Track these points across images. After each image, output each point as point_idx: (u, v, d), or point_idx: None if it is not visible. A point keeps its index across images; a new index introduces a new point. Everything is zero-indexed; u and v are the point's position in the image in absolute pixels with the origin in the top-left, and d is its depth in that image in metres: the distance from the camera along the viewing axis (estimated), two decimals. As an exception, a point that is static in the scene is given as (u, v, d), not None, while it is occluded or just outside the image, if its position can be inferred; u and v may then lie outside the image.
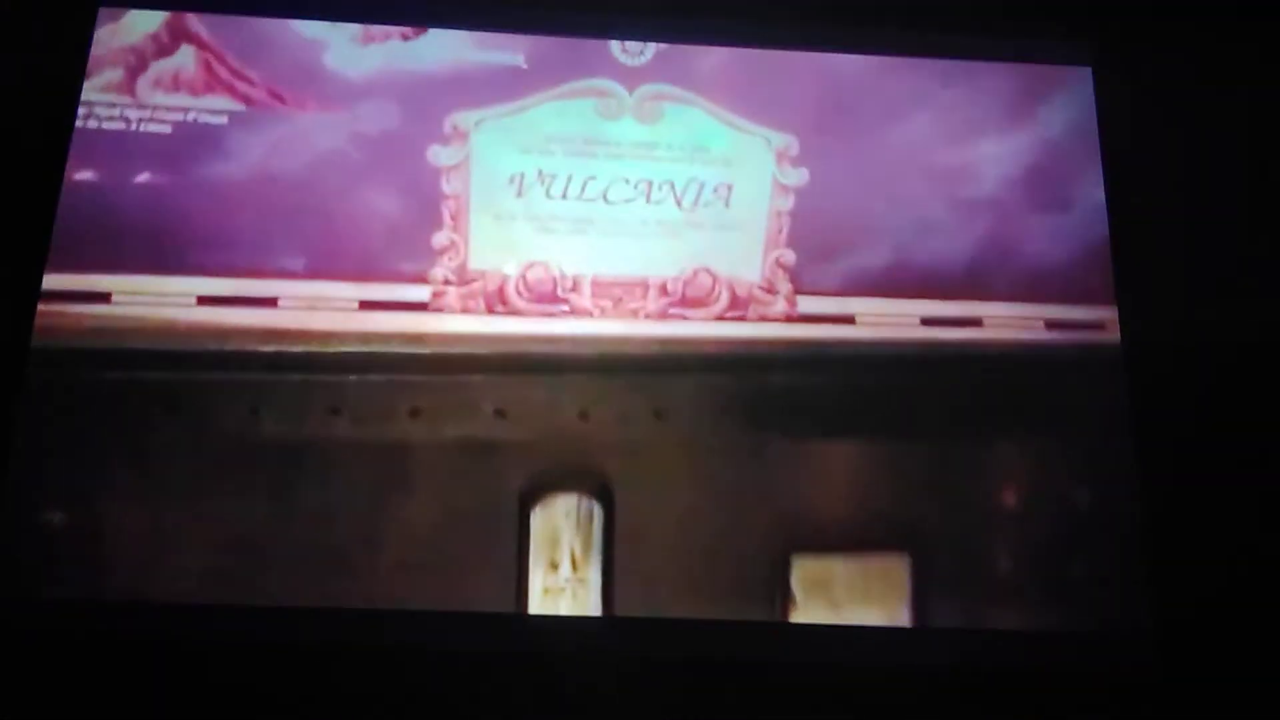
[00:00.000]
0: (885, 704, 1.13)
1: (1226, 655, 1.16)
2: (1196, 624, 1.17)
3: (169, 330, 1.23)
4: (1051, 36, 1.40)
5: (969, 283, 1.30)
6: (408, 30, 1.36)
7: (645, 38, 1.35)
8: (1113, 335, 1.29)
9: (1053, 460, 1.26)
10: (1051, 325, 1.30)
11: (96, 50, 1.31)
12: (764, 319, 1.29)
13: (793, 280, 1.30)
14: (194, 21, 1.33)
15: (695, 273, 1.30)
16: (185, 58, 1.32)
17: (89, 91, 1.29)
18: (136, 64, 1.31)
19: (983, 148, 1.35)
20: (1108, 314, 1.30)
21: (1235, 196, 1.35)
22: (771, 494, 1.23)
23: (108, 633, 1.13)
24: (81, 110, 1.28)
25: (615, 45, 1.35)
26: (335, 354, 1.25)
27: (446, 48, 1.34)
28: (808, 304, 1.30)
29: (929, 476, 1.24)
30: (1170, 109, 1.36)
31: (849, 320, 1.29)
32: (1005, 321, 1.30)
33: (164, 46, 1.32)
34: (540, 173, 1.31)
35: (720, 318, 1.29)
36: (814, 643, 1.19)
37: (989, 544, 1.23)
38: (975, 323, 1.29)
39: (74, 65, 1.30)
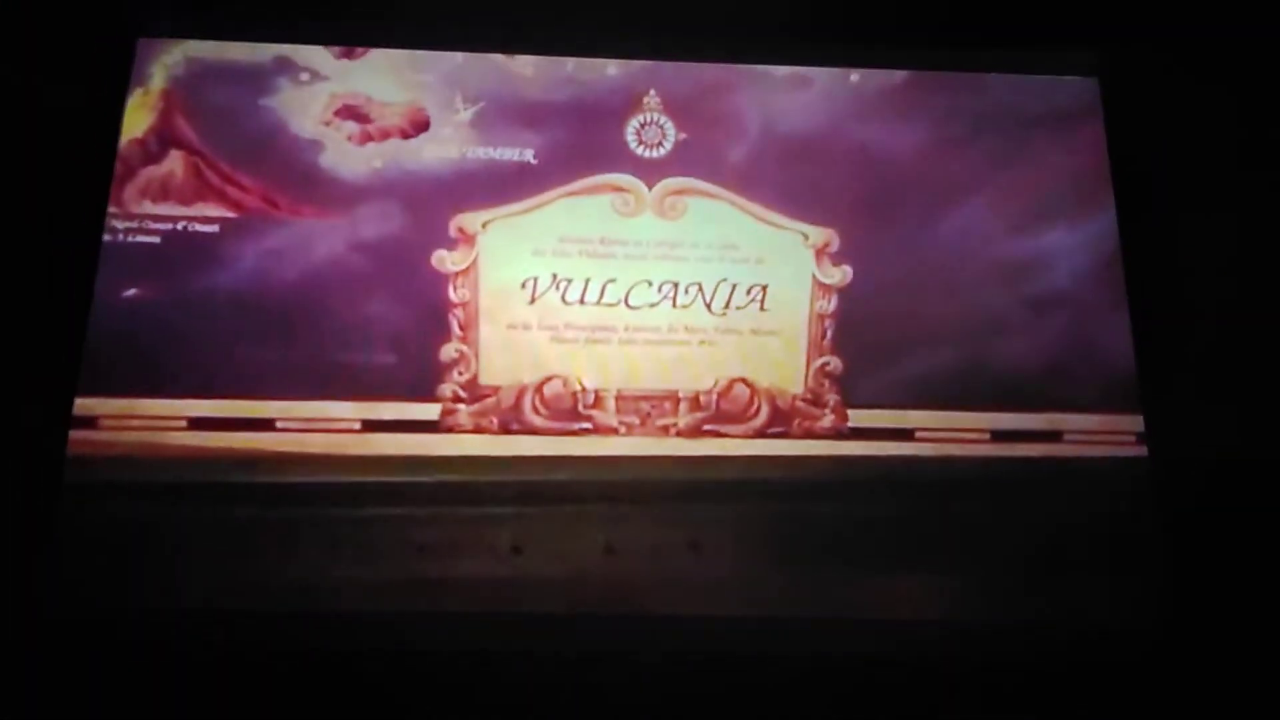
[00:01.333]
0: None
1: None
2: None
3: (157, 457, 1.15)
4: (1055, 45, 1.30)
5: (1046, 391, 1.18)
6: (408, 128, 1.27)
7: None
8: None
9: (1149, 595, 1.11)
10: (1145, 439, 1.16)
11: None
12: (810, 435, 1.17)
13: (841, 391, 1.18)
14: (183, 125, 1.26)
15: (731, 384, 1.19)
16: (174, 163, 1.24)
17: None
18: (123, 173, 1.24)
19: (1052, 236, 1.23)
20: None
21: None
22: (827, 637, 1.09)
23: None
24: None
25: (632, 137, 1.26)
26: (335, 483, 1.15)
27: (450, 144, 1.26)
28: (859, 417, 1.18)
29: (1007, 616, 1.10)
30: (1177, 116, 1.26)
31: (908, 436, 1.17)
32: (1090, 436, 1.17)
33: (152, 153, 1.25)
34: (555, 277, 1.22)
35: (760, 434, 1.18)
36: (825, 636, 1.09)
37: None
38: (1054, 437, 1.17)
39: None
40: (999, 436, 1.16)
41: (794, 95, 1.27)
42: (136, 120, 1.26)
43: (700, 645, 1.09)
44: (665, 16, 1.29)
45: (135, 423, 1.16)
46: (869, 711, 1.08)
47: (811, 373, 1.19)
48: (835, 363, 1.20)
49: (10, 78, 1.26)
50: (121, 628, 1.10)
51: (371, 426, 1.17)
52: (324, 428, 1.17)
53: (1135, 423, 1.17)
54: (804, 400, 1.19)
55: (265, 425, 1.16)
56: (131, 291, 1.20)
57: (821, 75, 1.27)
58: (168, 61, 1.28)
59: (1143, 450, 1.17)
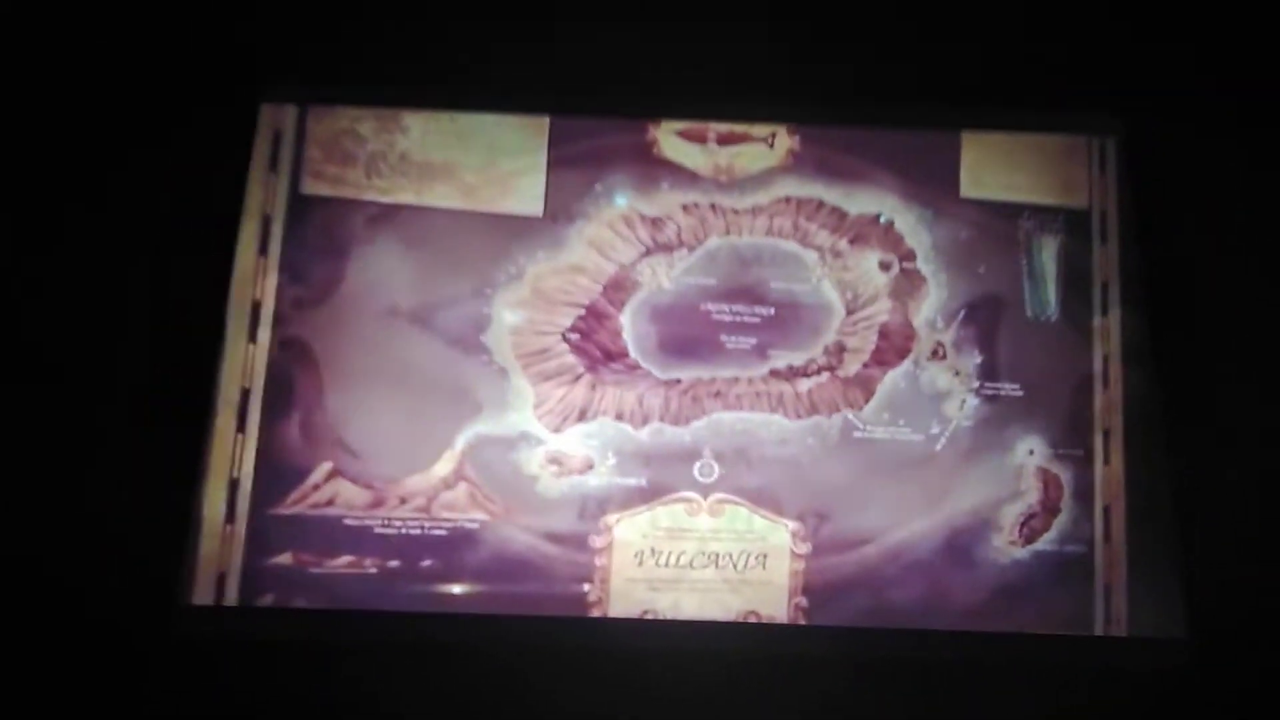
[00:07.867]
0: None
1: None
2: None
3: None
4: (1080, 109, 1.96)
5: (918, 619, 2.02)
6: (582, 469, 1.98)
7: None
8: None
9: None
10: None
11: (407, 488, 2.00)
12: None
13: (806, 617, 2.05)
14: (468, 468, 1.96)
15: (746, 614, 1.99)
16: (459, 493, 1.95)
17: (403, 510, 1.97)
18: (432, 494, 1.98)
19: (914, 524, 2.08)
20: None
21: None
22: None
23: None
24: (397, 525, 1.96)
25: (696, 472, 2.12)
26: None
27: (603, 476, 1.99)
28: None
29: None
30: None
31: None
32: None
33: (449, 484, 1.96)
34: (652, 550, 2.00)
35: (762, 645, 2.02)
36: (842, 641, 1.99)
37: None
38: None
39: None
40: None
41: (779, 452, 2.18)
42: (443, 467, 2.01)
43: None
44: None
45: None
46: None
47: (790, 606, 2.02)
48: (803, 600, 2.05)
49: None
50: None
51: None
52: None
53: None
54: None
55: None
56: (428, 562, 1.97)
57: (793, 437, 2.19)
58: (467, 434, 2.02)
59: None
